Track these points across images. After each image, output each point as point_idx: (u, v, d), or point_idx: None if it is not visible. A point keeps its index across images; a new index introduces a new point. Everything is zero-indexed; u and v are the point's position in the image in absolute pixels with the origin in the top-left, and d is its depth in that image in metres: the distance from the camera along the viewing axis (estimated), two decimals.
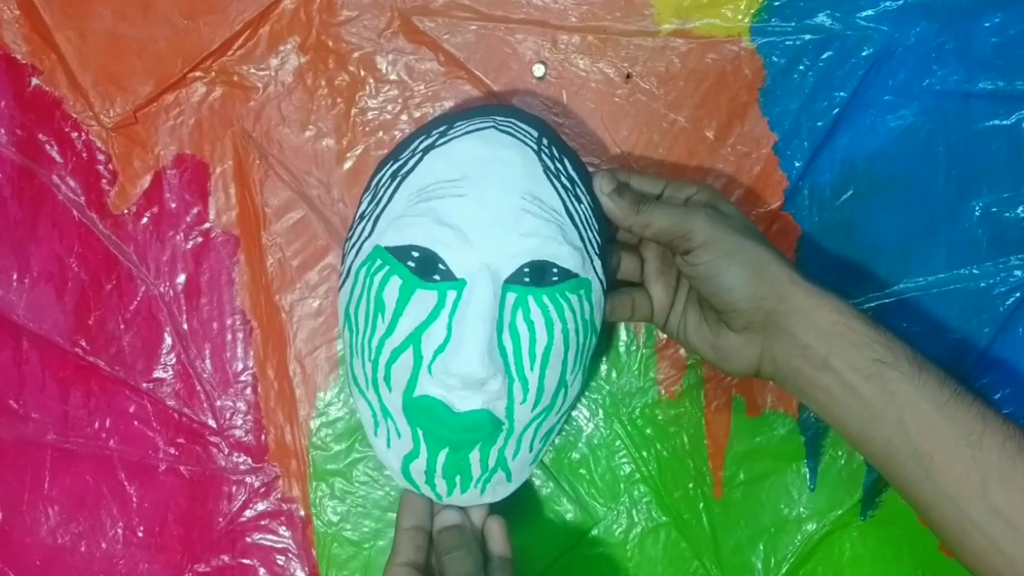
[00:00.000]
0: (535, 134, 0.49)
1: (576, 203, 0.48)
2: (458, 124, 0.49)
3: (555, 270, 0.46)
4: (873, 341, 0.42)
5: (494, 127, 0.48)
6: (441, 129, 0.49)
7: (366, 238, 0.48)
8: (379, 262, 0.46)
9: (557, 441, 0.55)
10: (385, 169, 0.49)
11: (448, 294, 0.45)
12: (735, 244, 0.44)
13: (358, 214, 0.50)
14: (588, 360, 0.49)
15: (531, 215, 0.46)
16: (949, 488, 0.41)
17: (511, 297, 0.45)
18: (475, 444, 0.47)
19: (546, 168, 0.47)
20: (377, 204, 0.48)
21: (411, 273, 0.45)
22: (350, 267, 0.48)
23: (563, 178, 0.48)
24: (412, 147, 0.49)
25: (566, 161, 0.49)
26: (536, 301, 0.46)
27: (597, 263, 0.48)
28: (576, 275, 0.47)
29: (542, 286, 0.46)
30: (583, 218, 0.48)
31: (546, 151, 0.48)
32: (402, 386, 0.46)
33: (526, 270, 0.46)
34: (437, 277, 0.45)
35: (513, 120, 0.49)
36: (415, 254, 0.46)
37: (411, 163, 0.48)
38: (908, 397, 0.42)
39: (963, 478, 0.41)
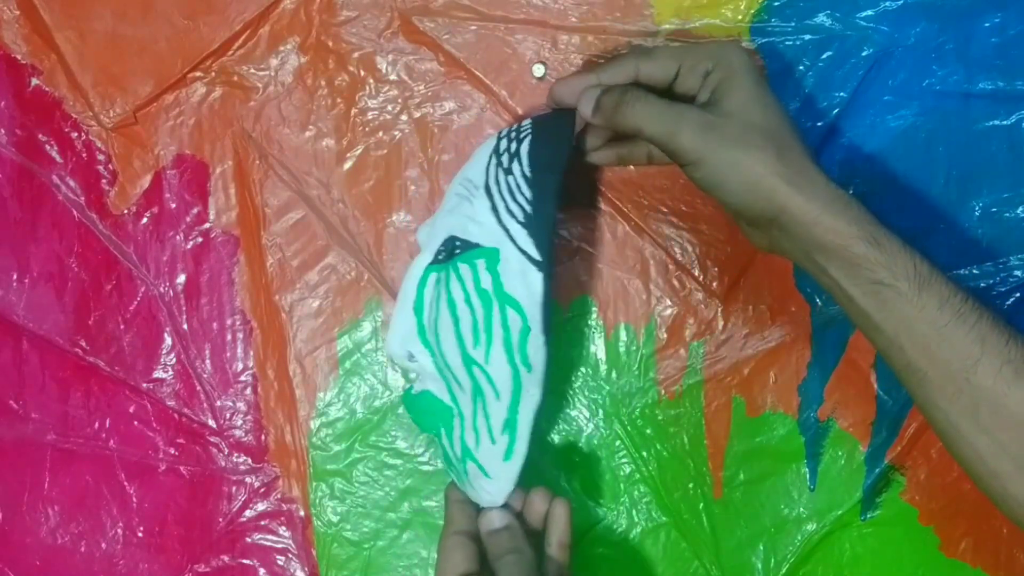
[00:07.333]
0: (528, 123, 0.47)
1: (503, 174, 0.46)
2: None
3: (458, 243, 0.46)
4: (871, 263, 0.41)
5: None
6: None
7: None
8: None
9: (557, 440, 0.55)
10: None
11: None
12: (726, 161, 0.42)
13: None
14: (519, 337, 0.45)
15: (457, 196, 0.47)
16: (940, 402, 0.41)
17: (431, 278, 0.47)
18: (436, 428, 0.49)
19: (495, 149, 0.47)
20: None
21: None
22: None
23: (503, 155, 0.46)
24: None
25: (526, 140, 0.46)
26: (436, 278, 0.47)
27: (518, 231, 0.45)
28: (476, 245, 0.45)
29: (444, 262, 0.46)
30: (506, 187, 0.45)
31: (513, 132, 0.47)
32: None
33: (442, 249, 0.46)
34: None
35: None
36: None
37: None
38: (905, 317, 0.41)
39: (954, 396, 0.40)
